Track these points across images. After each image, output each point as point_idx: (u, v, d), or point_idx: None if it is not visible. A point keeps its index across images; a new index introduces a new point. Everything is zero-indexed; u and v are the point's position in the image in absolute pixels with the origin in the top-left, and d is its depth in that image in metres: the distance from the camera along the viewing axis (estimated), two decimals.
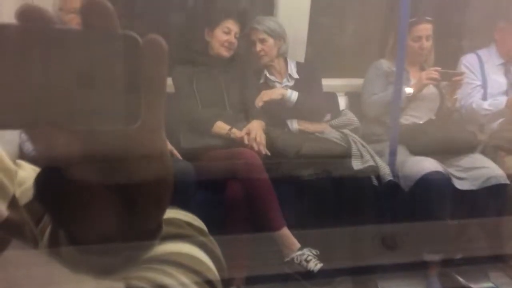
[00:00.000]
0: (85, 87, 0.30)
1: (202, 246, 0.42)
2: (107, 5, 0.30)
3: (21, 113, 0.29)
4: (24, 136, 1.92)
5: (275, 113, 2.47)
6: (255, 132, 2.24)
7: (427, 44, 2.50)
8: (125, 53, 0.31)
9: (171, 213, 0.44)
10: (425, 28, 2.48)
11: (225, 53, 2.38)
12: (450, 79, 2.42)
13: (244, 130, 2.26)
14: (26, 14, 0.28)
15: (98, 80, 0.30)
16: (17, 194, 0.41)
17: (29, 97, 0.29)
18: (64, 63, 0.29)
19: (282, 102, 2.43)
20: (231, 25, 2.36)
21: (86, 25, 0.30)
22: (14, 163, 0.45)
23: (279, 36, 2.49)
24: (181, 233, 0.42)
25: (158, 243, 0.38)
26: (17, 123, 0.29)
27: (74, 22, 1.96)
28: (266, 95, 2.41)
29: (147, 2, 2.70)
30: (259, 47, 2.46)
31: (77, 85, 0.29)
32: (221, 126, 2.28)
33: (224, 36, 2.35)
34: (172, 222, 0.43)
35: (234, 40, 2.37)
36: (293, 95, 2.43)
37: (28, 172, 0.47)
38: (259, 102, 2.39)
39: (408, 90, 2.45)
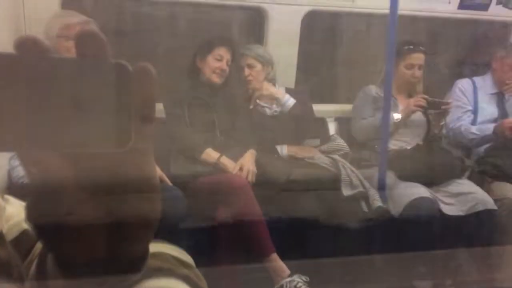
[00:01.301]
0: (78, 112, 0.31)
1: (188, 281, 0.43)
2: (100, 35, 0.32)
3: (16, 137, 0.30)
4: (13, 162, 1.91)
5: (265, 138, 2.50)
6: (247, 169, 2.25)
7: (419, 73, 2.56)
8: (116, 79, 0.32)
9: (159, 247, 0.44)
10: (419, 57, 2.55)
11: (216, 79, 2.40)
12: (438, 107, 2.46)
13: (237, 165, 2.26)
14: (24, 44, 0.30)
15: (90, 105, 0.31)
16: (4, 230, 0.41)
17: (25, 121, 0.30)
18: (58, 89, 0.30)
19: (277, 104, 2.49)
20: (223, 53, 2.40)
21: (81, 53, 0.31)
22: (2, 198, 0.45)
23: (266, 62, 2.54)
24: (168, 268, 0.42)
25: (144, 279, 0.38)
26: (12, 146, 0.30)
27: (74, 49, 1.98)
28: (265, 91, 2.47)
29: (140, 29, 2.74)
30: (247, 72, 2.51)
31: (70, 110, 0.31)
32: (210, 154, 2.28)
33: (216, 63, 2.38)
34: (159, 256, 0.43)
35: (225, 67, 2.40)
36: (290, 101, 2.46)
37: (15, 208, 0.47)
38: (255, 100, 2.47)
39: (396, 116, 2.49)
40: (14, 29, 2.17)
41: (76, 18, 2.10)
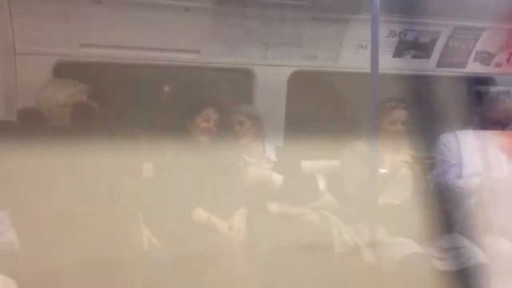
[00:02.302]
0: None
1: None
2: (92, 105, 0.36)
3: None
4: (3, 229, 1.86)
5: (256, 197, 2.50)
6: (237, 228, 2.26)
7: (402, 128, 2.63)
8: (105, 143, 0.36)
9: None
10: (401, 113, 2.63)
11: (205, 139, 2.45)
12: (422, 162, 2.50)
13: (228, 224, 2.27)
14: (25, 113, 0.33)
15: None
16: None
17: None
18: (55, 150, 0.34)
19: (266, 184, 2.48)
20: (211, 113, 2.47)
21: (76, 120, 0.35)
22: None
23: (256, 119, 2.61)
24: None
25: None
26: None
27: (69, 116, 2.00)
28: (253, 176, 2.46)
29: (133, 92, 2.81)
30: (237, 128, 2.57)
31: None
32: (200, 214, 2.28)
33: (204, 123, 2.45)
34: None
35: (213, 127, 2.46)
36: (279, 179, 2.48)
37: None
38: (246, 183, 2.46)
39: (383, 171, 2.52)
40: (4, 96, 2.22)
41: (70, 87, 2.14)
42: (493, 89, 3.21)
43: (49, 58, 2.41)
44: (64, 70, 2.43)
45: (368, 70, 2.36)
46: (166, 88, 2.95)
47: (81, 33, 2.42)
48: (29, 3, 2.26)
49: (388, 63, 2.85)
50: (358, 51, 2.86)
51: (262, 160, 2.62)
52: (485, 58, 3.09)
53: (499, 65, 3.14)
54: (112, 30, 2.45)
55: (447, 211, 2.52)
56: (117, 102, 2.67)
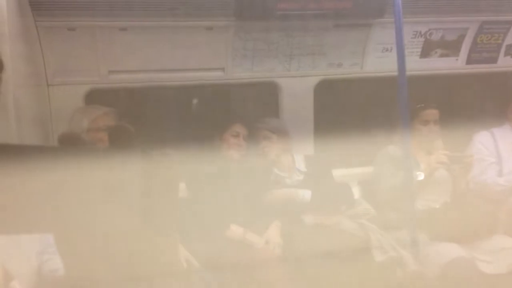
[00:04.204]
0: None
1: None
2: (129, 128, 0.36)
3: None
4: (44, 257, 1.91)
5: (290, 210, 2.48)
6: (273, 242, 2.24)
7: (435, 128, 2.57)
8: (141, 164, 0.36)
9: None
10: (432, 113, 2.58)
11: (235, 154, 2.47)
12: (460, 161, 2.43)
13: (264, 239, 2.26)
14: (65, 138, 0.34)
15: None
16: None
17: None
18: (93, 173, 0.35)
19: (295, 202, 2.45)
20: (239, 129, 2.49)
21: (113, 143, 0.36)
22: None
23: (281, 132, 2.61)
24: None
25: None
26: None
27: (105, 139, 2.06)
28: (279, 196, 2.43)
29: (161, 112, 2.86)
30: (263, 143, 2.56)
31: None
32: (235, 230, 2.27)
33: (233, 139, 2.46)
34: None
35: (243, 143, 2.47)
36: (306, 194, 2.46)
37: None
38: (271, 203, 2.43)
39: (419, 174, 2.46)
40: (41, 124, 2.30)
41: (100, 111, 2.22)
42: None
43: (80, 86, 2.49)
44: (95, 97, 2.51)
45: (396, 73, 2.32)
46: (194, 107, 2.98)
47: (109, 60, 2.50)
48: (58, 38, 2.35)
49: (416, 64, 2.80)
50: (383, 54, 2.83)
51: (292, 172, 2.60)
52: None
53: None
54: (138, 55, 2.52)
55: (489, 211, 2.43)
56: (148, 123, 2.73)
